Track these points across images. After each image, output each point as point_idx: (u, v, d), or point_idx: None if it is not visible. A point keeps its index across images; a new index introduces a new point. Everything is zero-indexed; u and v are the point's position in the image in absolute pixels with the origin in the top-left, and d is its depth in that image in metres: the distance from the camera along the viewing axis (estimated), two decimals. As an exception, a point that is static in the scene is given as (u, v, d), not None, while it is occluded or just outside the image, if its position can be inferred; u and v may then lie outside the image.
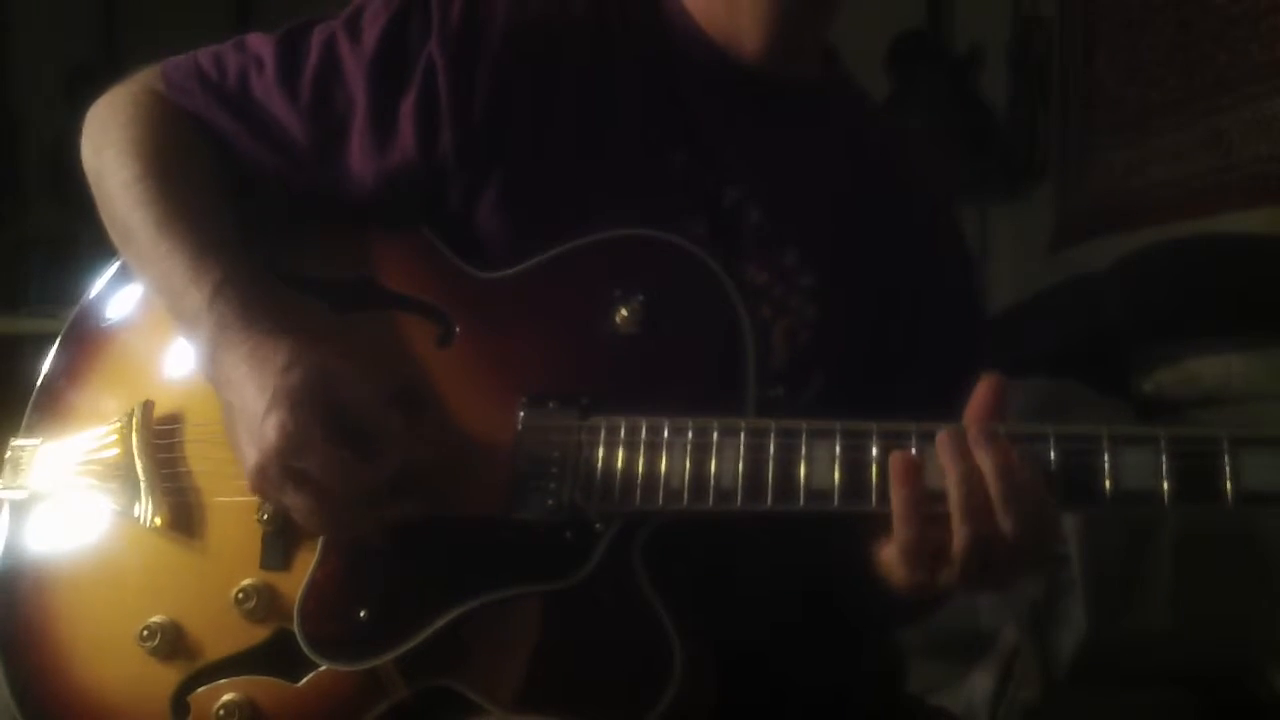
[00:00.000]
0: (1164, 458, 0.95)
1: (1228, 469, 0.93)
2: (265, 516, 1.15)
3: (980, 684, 2.25)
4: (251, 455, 1.06)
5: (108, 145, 1.24)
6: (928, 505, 0.98)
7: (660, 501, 1.04)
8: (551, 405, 1.09)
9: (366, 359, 1.12)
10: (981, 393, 1.00)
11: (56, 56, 4.24)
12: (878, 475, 1.00)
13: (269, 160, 1.23)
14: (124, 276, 1.31)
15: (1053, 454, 0.97)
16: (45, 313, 3.15)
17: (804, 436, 1.01)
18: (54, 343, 1.32)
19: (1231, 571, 2.24)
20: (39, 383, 1.30)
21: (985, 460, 0.96)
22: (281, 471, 1.05)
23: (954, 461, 0.97)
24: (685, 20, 1.25)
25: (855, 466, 1.01)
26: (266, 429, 1.05)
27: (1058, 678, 2.21)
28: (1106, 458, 0.96)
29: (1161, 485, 0.94)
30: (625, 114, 1.21)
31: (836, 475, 1.00)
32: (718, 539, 1.13)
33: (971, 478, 0.96)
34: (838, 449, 1.01)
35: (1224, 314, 2.57)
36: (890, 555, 1.03)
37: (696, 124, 1.22)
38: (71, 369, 1.29)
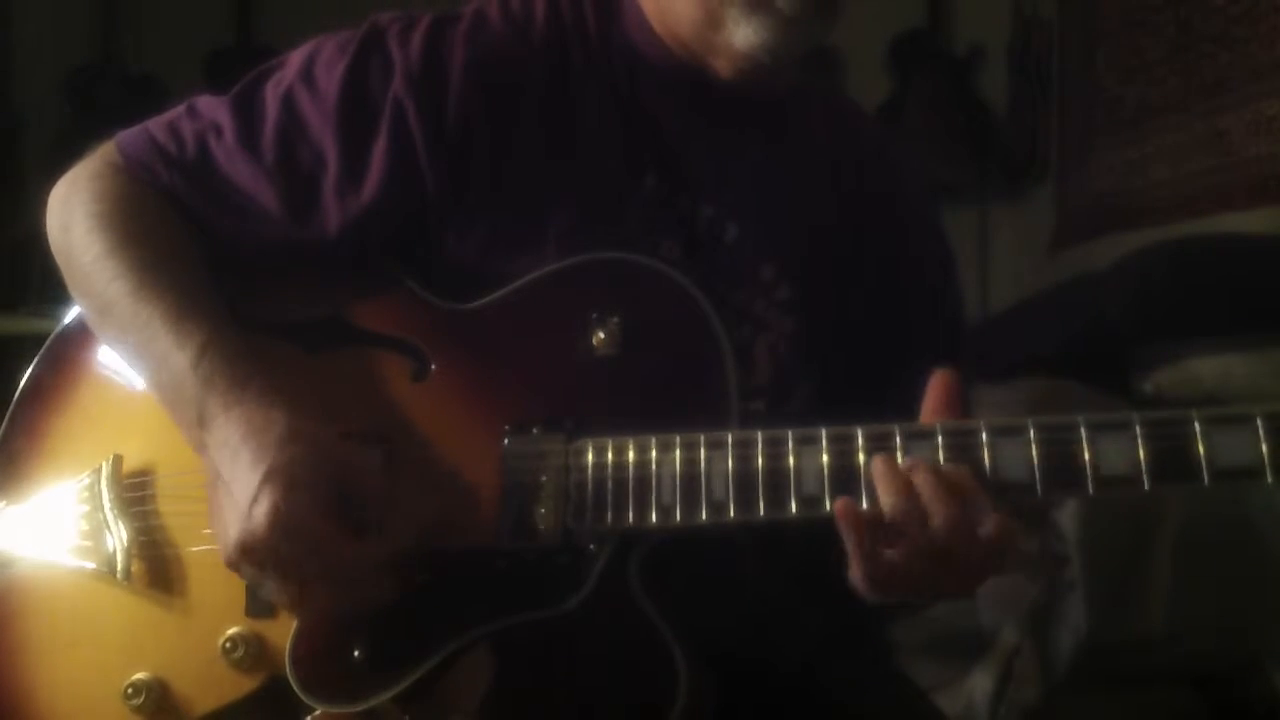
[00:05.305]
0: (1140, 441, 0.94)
1: (1201, 448, 0.93)
2: None
3: (980, 684, 2.25)
4: (234, 533, 1.04)
5: (74, 224, 1.21)
6: (880, 536, 0.98)
7: (653, 518, 1.03)
8: (535, 431, 1.07)
9: (342, 400, 1.11)
10: (935, 389, 1.01)
11: (56, 56, 4.23)
12: (866, 478, 0.99)
13: (240, 228, 1.20)
14: (76, 338, 1.26)
15: (1033, 446, 0.96)
16: (45, 313, 3.15)
17: (790, 444, 1.01)
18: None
19: (1232, 572, 2.24)
20: None
21: (916, 475, 0.96)
22: (266, 554, 1.03)
23: (886, 483, 0.98)
24: (649, 35, 1.21)
25: (843, 471, 1.00)
26: (257, 511, 1.02)
27: (1058, 678, 2.21)
28: (1085, 445, 0.95)
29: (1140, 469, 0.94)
30: (591, 138, 1.18)
31: (826, 481, 1.00)
32: (714, 548, 1.12)
33: (905, 495, 0.96)
34: (825, 456, 1.00)
35: (1224, 314, 2.57)
36: (853, 577, 1.03)
37: (666, 144, 1.20)
38: (31, 428, 1.25)
